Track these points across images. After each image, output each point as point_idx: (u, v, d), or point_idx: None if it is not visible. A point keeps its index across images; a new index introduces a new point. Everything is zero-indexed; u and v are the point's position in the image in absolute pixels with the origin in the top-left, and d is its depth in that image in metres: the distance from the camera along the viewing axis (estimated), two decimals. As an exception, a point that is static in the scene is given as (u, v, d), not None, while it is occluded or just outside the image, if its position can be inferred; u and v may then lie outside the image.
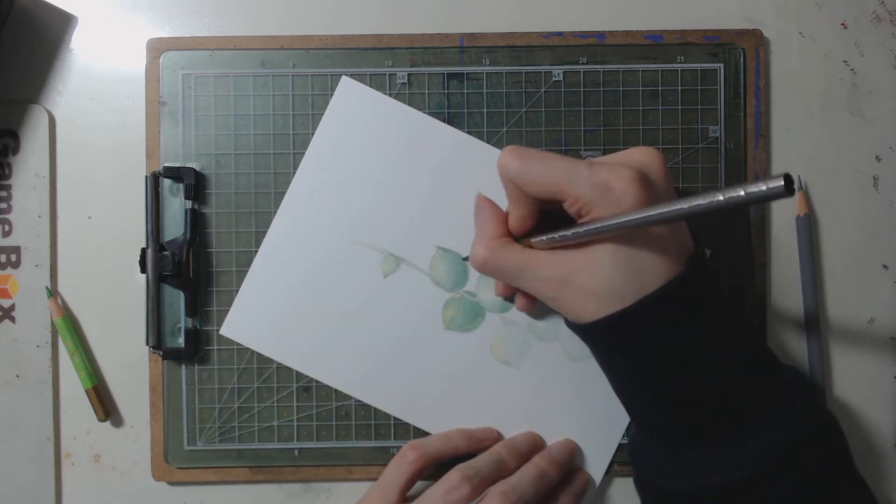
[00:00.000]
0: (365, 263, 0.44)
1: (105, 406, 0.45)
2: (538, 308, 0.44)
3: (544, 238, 0.36)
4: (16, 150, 0.45)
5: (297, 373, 0.45)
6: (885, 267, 0.46)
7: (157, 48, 0.45)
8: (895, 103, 0.46)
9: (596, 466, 0.44)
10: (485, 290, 0.44)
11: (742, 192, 0.27)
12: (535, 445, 0.43)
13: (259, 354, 0.45)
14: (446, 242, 0.44)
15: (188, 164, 0.44)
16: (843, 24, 0.46)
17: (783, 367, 0.37)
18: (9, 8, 0.44)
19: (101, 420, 0.45)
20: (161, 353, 0.44)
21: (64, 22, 0.46)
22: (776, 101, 0.46)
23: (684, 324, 0.34)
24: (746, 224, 0.45)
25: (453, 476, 0.39)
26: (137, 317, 0.45)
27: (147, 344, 0.44)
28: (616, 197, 0.33)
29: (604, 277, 0.34)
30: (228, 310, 0.44)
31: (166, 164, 0.44)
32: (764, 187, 0.27)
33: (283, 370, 0.45)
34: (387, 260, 0.44)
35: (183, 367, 0.45)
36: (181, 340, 0.44)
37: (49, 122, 0.45)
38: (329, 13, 0.46)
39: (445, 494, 0.39)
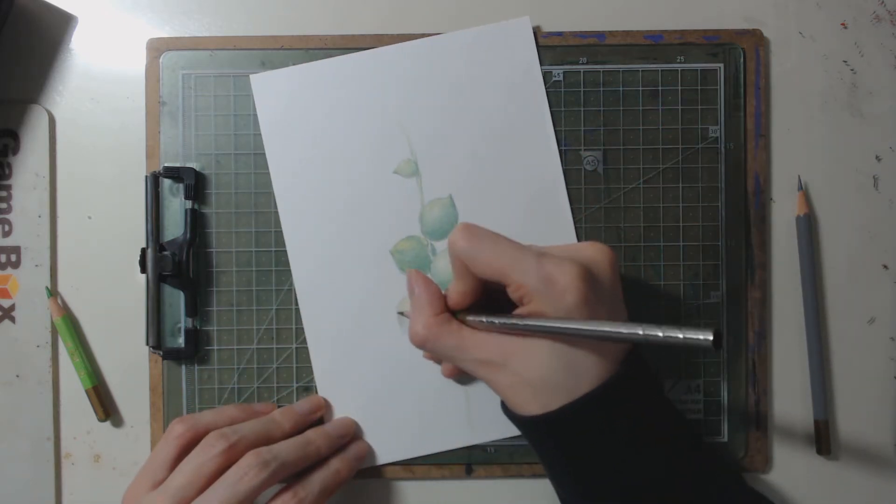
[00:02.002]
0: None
1: (105, 406, 0.45)
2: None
3: (483, 319, 0.36)
4: (16, 150, 0.45)
5: (297, 372, 0.45)
6: (885, 267, 0.46)
7: (157, 48, 0.45)
8: (895, 103, 0.46)
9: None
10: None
11: (680, 335, 0.29)
12: (316, 407, 0.44)
13: (259, 354, 0.45)
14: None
15: (188, 164, 0.44)
16: (843, 24, 0.46)
17: (727, 466, 0.36)
18: (9, 8, 0.44)
19: (101, 420, 0.45)
20: (161, 353, 0.44)
21: (64, 22, 0.46)
22: (776, 101, 0.46)
23: (619, 423, 0.34)
24: (746, 224, 0.45)
25: (210, 435, 0.39)
26: (137, 317, 0.45)
27: (147, 344, 0.44)
28: (559, 291, 0.33)
29: (542, 369, 0.34)
30: (228, 309, 0.45)
31: (166, 164, 0.44)
32: (700, 336, 0.29)
33: (283, 370, 0.45)
34: (408, 164, 0.45)
35: (183, 367, 0.45)
36: (181, 340, 0.44)
37: (49, 122, 0.45)
38: (329, 13, 0.46)
39: (200, 451, 0.38)
